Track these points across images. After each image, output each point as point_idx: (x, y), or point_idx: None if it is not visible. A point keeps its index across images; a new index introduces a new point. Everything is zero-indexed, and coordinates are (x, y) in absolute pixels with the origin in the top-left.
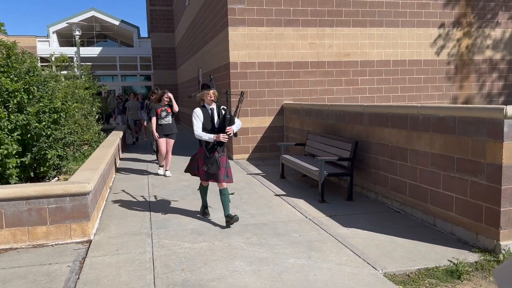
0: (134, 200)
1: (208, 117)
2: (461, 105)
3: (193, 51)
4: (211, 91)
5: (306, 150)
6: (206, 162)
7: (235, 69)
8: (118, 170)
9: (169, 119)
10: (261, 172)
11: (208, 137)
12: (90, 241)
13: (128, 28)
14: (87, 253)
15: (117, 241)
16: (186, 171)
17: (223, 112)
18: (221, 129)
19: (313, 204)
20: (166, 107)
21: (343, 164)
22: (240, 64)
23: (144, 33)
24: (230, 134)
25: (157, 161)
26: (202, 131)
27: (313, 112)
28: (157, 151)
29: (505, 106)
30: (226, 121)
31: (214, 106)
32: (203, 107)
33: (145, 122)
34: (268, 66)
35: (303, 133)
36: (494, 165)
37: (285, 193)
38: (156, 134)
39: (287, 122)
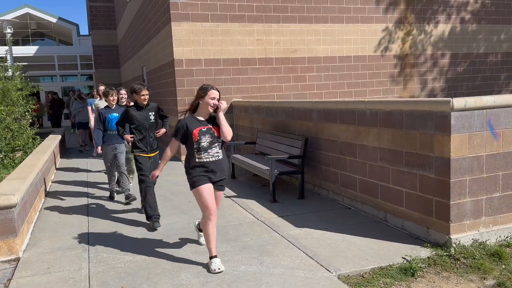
0: (71, 209)
1: None
2: (408, 99)
3: (136, 49)
4: None
5: (256, 148)
6: None
7: (180, 66)
8: (55, 176)
9: (218, 151)
10: None
11: None
12: (18, 259)
13: (67, 26)
14: (13, 274)
15: (49, 258)
16: None
17: None
18: None
19: (264, 205)
20: (209, 126)
21: (294, 162)
22: (186, 61)
23: (84, 30)
24: None
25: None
26: None
27: (262, 109)
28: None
29: (451, 99)
30: None
31: None
32: None
33: (99, 148)
34: (215, 63)
35: (253, 131)
36: (442, 158)
37: (236, 194)
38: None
39: (237, 120)
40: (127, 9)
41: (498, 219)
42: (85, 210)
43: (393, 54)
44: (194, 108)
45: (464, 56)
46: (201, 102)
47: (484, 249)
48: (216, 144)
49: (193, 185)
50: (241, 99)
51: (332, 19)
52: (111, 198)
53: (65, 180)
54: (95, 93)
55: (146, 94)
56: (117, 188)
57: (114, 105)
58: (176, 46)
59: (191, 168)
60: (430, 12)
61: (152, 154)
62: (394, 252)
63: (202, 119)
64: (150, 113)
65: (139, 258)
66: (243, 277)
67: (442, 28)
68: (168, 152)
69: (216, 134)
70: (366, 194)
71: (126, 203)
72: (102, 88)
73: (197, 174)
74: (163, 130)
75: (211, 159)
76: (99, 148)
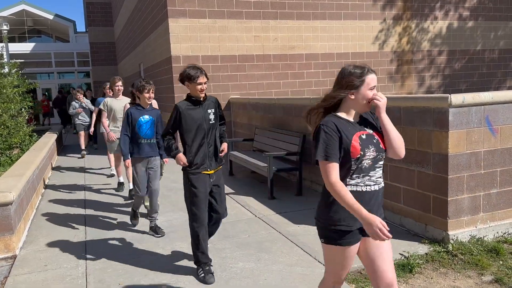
0: (68, 206)
1: None
2: (406, 95)
3: (133, 45)
4: None
5: (254, 145)
6: None
7: (178, 63)
8: (52, 173)
9: (381, 175)
10: None
11: None
12: (15, 257)
13: (63, 23)
14: (10, 271)
15: (46, 255)
16: None
17: None
18: None
19: (262, 202)
20: (369, 131)
21: (292, 159)
22: (183, 58)
23: (81, 27)
24: None
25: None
26: None
27: (260, 106)
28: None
29: (449, 95)
30: None
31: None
32: None
33: (127, 161)
34: (212, 60)
35: (251, 128)
36: (440, 154)
37: (233, 191)
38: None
39: (235, 117)
40: (124, 6)
41: (495, 215)
42: (83, 207)
43: (390, 51)
44: (330, 104)
45: (462, 53)
46: (351, 96)
47: (482, 245)
48: (381, 162)
49: (333, 239)
50: (238, 96)
51: (330, 15)
52: (134, 219)
53: (63, 177)
54: (107, 89)
55: (204, 83)
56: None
57: (149, 105)
58: (173, 43)
59: (334, 202)
60: (427, 9)
61: (214, 170)
62: (392, 249)
63: (352, 120)
64: (209, 111)
65: (137, 255)
66: (241, 274)
67: (439, 24)
68: (342, 191)
69: (381, 145)
70: None
71: (158, 236)
72: (119, 83)
73: (344, 220)
74: (225, 146)
75: (372, 188)
76: (128, 161)
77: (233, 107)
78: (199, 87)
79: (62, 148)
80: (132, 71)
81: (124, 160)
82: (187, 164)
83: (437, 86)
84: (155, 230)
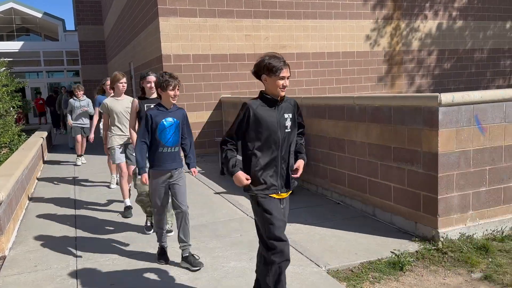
0: (58, 207)
1: None
2: (396, 94)
3: (123, 44)
4: None
5: None
6: None
7: (168, 62)
8: (41, 174)
9: None
10: (200, 169)
11: None
12: (4, 258)
13: (52, 21)
14: None
15: (36, 256)
16: None
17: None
18: None
19: None
20: None
21: None
22: (174, 57)
23: (70, 26)
24: None
25: None
26: None
27: None
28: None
29: (439, 94)
30: None
31: None
32: None
33: (144, 176)
34: (203, 59)
35: None
36: (430, 153)
37: (225, 191)
38: None
39: (226, 116)
40: (114, 4)
41: (485, 213)
42: (73, 207)
43: (381, 50)
44: None
45: (451, 52)
46: None
47: (471, 243)
48: None
49: None
50: (230, 95)
51: (320, 15)
52: (161, 256)
53: (52, 177)
54: (107, 86)
55: (287, 78)
56: (169, 233)
57: (172, 105)
58: (163, 42)
59: None
60: (417, 9)
61: (286, 195)
62: (382, 247)
63: None
64: (286, 115)
65: (127, 254)
66: (233, 273)
67: (429, 24)
68: None
69: None
70: (354, 189)
71: (194, 269)
72: (124, 80)
73: None
74: (301, 165)
75: None
76: (145, 176)
77: (224, 106)
78: (281, 82)
79: (52, 147)
80: (122, 70)
81: (139, 174)
82: (248, 184)
83: (427, 86)
84: (191, 261)
